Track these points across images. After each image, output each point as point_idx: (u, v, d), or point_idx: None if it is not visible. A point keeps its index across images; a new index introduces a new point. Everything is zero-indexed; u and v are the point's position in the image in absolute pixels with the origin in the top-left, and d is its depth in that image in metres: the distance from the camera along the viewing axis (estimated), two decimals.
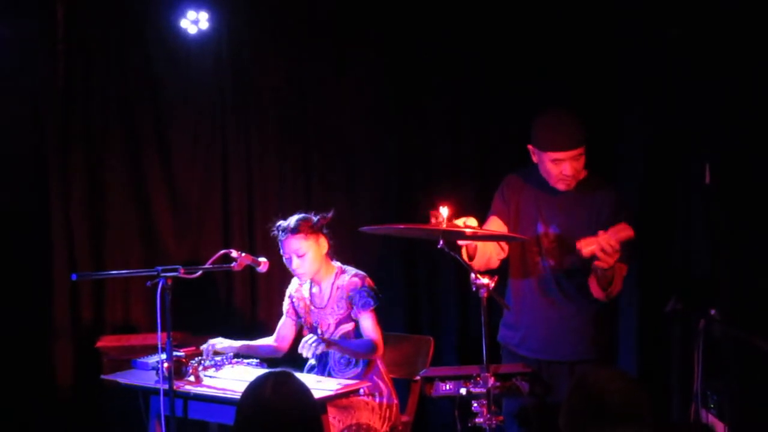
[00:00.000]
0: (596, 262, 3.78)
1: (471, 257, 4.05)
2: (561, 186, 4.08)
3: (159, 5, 5.40)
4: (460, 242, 3.96)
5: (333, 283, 4.45)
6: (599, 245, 3.71)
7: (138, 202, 5.50)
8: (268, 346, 4.64)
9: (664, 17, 4.96)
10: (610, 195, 4.09)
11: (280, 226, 4.43)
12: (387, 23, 5.51)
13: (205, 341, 4.43)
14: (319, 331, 4.46)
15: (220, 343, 4.43)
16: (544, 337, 4.14)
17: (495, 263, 4.19)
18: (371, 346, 4.33)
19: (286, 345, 4.63)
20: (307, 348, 4.13)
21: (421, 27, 5.48)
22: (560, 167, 4.02)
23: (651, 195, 5.15)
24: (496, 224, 4.19)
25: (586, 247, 3.75)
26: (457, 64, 5.49)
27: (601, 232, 3.73)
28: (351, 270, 4.47)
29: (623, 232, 3.74)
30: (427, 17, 5.46)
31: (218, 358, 4.34)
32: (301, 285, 4.58)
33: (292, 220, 4.40)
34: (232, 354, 4.42)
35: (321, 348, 4.15)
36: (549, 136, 4.01)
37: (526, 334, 4.19)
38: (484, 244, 4.11)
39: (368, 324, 4.36)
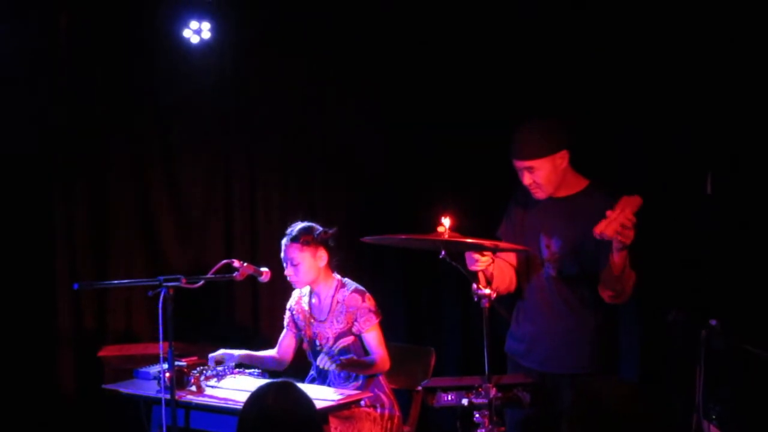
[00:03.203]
0: (618, 238, 3.70)
1: (489, 281, 4.04)
2: (531, 193, 4.10)
3: (162, 15, 5.41)
4: (473, 268, 3.93)
5: (333, 297, 4.45)
6: (618, 222, 3.65)
7: (141, 212, 5.52)
8: (270, 357, 4.65)
9: (659, 23, 4.96)
10: (608, 204, 4.07)
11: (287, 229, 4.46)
12: (390, 36, 5.52)
13: (206, 351, 4.42)
14: (317, 344, 4.47)
15: (221, 355, 4.43)
16: (548, 348, 4.13)
17: (516, 286, 4.21)
18: (379, 363, 4.36)
19: (288, 357, 4.64)
20: (326, 362, 4.29)
21: (422, 40, 5.48)
22: (521, 175, 4.06)
23: (652, 204, 5.14)
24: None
25: (608, 228, 3.65)
26: (459, 73, 5.49)
27: (609, 212, 3.66)
28: (351, 284, 4.47)
29: (632, 203, 3.69)
30: (427, 32, 5.46)
31: (220, 368, 4.34)
32: (300, 297, 4.59)
33: (295, 228, 4.43)
34: (233, 364, 4.41)
35: (335, 368, 4.27)
36: (512, 143, 4.06)
37: (531, 345, 4.19)
38: (501, 268, 4.12)
39: (373, 341, 4.38)
